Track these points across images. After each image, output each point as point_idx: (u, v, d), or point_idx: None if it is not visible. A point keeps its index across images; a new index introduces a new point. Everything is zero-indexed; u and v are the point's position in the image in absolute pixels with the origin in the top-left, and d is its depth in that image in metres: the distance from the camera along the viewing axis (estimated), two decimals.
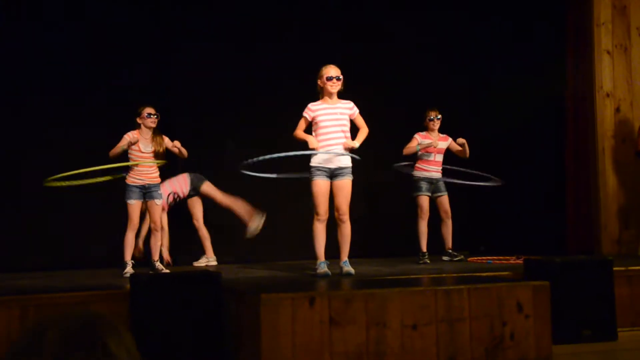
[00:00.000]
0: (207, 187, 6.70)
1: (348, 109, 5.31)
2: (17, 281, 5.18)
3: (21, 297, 3.98)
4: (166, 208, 6.43)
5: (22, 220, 6.35)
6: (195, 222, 6.70)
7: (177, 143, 5.72)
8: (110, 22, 6.64)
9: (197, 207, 6.70)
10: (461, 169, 6.54)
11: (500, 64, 7.72)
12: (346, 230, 5.24)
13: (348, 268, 5.19)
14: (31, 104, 6.47)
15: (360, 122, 5.39)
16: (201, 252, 6.72)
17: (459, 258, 6.53)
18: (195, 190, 6.68)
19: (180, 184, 6.65)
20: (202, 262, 6.67)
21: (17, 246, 6.28)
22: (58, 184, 5.49)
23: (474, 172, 6.46)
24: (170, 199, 6.55)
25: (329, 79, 5.24)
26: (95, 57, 6.60)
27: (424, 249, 6.45)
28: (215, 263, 6.69)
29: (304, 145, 5.25)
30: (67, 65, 6.53)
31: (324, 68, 5.29)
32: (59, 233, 6.40)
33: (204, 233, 6.70)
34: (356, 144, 5.28)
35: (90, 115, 6.56)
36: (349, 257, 5.31)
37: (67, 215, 6.44)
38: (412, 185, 6.54)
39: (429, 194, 6.53)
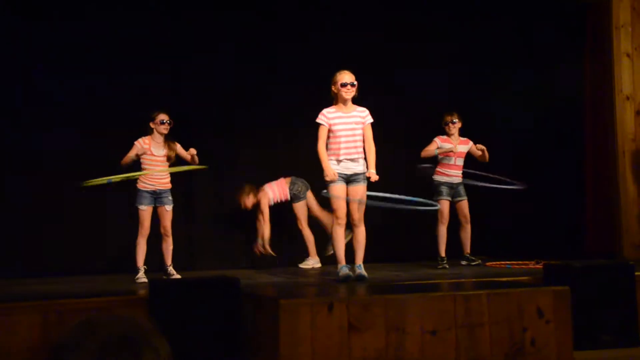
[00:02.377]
0: (310, 194, 6.81)
1: (362, 117, 5.26)
2: (36, 286, 5.22)
3: (42, 303, 4.00)
4: (271, 203, 6.64)
5: (40, 225, 6.39)
6: (299, 224, 6.78)
7: (192, 151, 5.73)
8: (126, 28, 6.68)
9: (301, 211, 6.76)
10: (483, 173, 6.51)
11: (518, 67, 7.68)
12: (361, 235, 5.22)
13: (362, 272, 5.17)
14: (53, 109, 6.52)
15: (368, 134, 5.22)
16: (305, 254, 6.83)
17: (477, 263, 6.49)
18: (302, 194, 6.74)
19: (281, 187, 6.76)
20: (308, 264, 6.77)
21: (38, 251, 6.33)
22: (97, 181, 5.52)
23: (496, 176, 6.42)
24: (274, 200, 6.69)
25: (344, 85, 5.19)
26: (110, 62, 6.64)
27: (443, 253, 6.42)
28: (319, 265, 6.78)
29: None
30: (84, 69, 6.56)
31: (338, 74, 5.24)
32: (77, 238, 6.43)
33: (308, 236, 6.80)
34: (374, 173, 5.17)
35: (111, 119, 6.58)
36: (364, 261, 5.29)
37: (85, 220, 6.48)
38: (433, 189, 6.52)
39: (450, 199, 6.50)
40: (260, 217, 6.68)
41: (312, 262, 6.81)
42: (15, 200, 6.32)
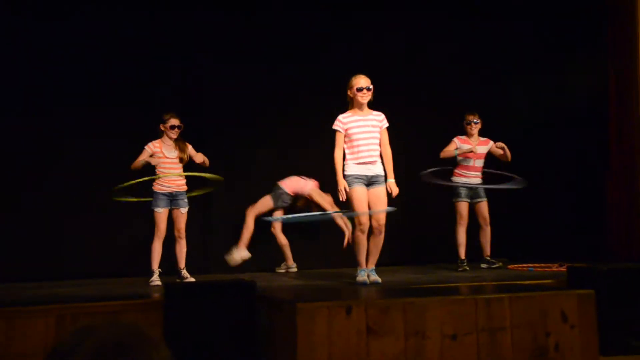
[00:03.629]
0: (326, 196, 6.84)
1: (379, 121, 5.25)
2: (52, 289, 5.27)
3: (58, 306, 4.04)
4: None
5: (55, 229, 6.43)
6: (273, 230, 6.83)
7: (204, 158, 5.82)
8: (137, 31, 6.72)
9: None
10: (490, 170, 6.49)
11: (540, 65, 7.63)
12: (380, 241, 5.22)
13: (375, 277, 5.17)
14: (66, 113, 6.56)
15: (385, 139, 5.24)
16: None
17: (497, 265, 6.45)
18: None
19: (300, 184, 6.81)
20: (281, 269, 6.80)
21: (53, 254, 6.37)
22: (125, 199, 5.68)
23: (500, 172, 6.40)
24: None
25: (359, 89, 5.19)
26: (123, 66, 6.68)
27: (463, 256, 6.39)
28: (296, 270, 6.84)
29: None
30: (95, 74, 6.60)
31: (353, 78, 5.24)
32: (92, 240, 6.48)
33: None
34: (394, 183, 5.19)
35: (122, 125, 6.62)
36: (378, 264, 5.29)
37: (99, 224, 6.52)
38: (452, 191, 6.49)
39: (469, 200, 6.47)
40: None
41: (290, 265, 6.84)
42: (30, 203, 6.37)
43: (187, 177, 5.85)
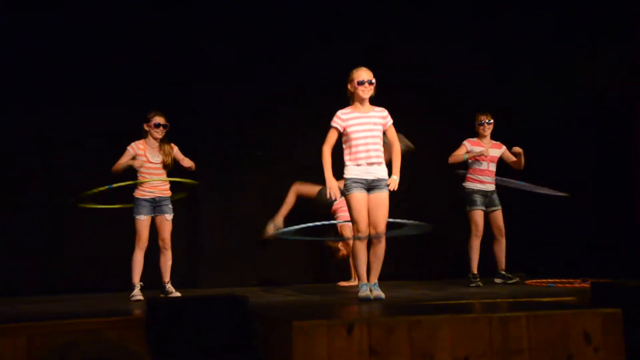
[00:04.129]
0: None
1: (382, 118, 5.21)
2: (22, 305, 5.23)
3: (28, 325, 3.98)
4: None
5: (25, 242, 6.40)
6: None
7: (191, 164, 5.79)
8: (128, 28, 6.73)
9: None
10: (513, 180, 6.47)
11: (566, 67, 7.62)
12: (380, 250, 5.17)
13: (378, 292, 5.12)
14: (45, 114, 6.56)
15: (392, 135, 5.22)
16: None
17: (514, 280, 6.42)
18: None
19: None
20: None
21: (21, 269, 6.33)
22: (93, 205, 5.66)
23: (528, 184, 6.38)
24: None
25: (360, 83, 5.15)
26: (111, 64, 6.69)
27: (475, 270, 6.36)
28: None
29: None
30: (81, 74, 6.64)
31: (354, 71, 5.20)
32: (64, 254, 6.45)
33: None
34: (396, 180, 5.14)
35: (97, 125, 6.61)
36: (380, 277, 5.24)
37: (72, 235, 6.49)
38: (465, 198, 6.44)
39: (484, 208, 6.42)
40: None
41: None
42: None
43: (170, 181, 5.81)
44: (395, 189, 5.14)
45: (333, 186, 5.10)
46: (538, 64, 7.65)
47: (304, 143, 6.93)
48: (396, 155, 5.20)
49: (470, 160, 6.45)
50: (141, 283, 5.65)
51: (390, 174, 5.15)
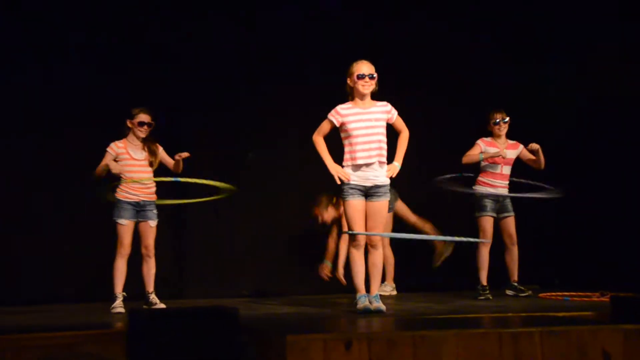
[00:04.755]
0: (401, 204, 6.88)
1: (385, 113, 5.24)
2: None
3: None
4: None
5: None
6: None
7: (183, 155, 5.71)
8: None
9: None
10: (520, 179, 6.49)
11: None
12: (378, 258, 5.23)
13: (378, 304, 5.14)
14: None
15: (400, 124, 5.30)
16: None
17: (527, 293, 6.43)
18: (390, 205, 6.62)
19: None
20: (385, 291, 6.82)
21: None
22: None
23: (532, 182, 6.38)
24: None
25: (360, 77, 5.17)
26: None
27: (485, 281, 6.36)
28: (395, 293, 6.94)
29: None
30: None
31: (354, 65, 5.22)
32: (39, 261, 6.44)
33: (389, 256, 6.90)
34: (396, 167, 5.20)
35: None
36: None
37: (48, 240, 6.49)
38: (474, 203, 6.44)
39: (494, 215, 6.42)
40: (335, 233, 6.72)
41: (389, 288, 6.88)
42: None
43: (157, 185, 5.81)
44: (394, 176, 5.17)
45: (339, 170, 5.16)
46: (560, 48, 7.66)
47: (294, 146, 6.97)
48: (403, 142, 5.25)
49: (484, 162, 6.42)
50: (124, 294, 5.64)
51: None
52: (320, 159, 5.22)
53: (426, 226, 6.86)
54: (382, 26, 7.38)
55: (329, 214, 6.73)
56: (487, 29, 7.65)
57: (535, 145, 6.28)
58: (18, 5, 6.63)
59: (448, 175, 6.36)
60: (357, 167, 5.15)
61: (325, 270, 6.70)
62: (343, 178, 5.15)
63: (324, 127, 5.26)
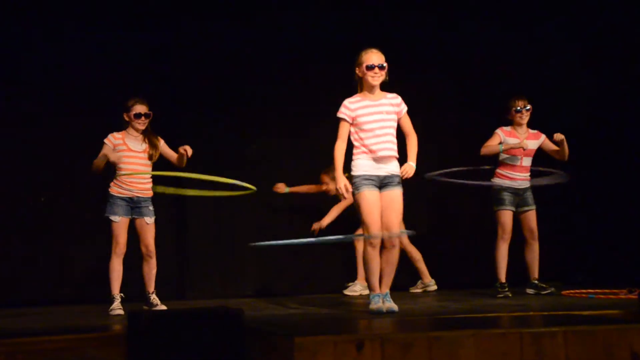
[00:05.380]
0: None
1: (395, 106, 5.23)
2: None
3: None
4: None
5: None
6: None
7: (187, 149, 5.67)
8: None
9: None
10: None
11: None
12: (394, 257, 5.20)
13: (390, 304, 5.15)
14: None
15: (407, 124, 5.27)
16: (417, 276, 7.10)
17: (549, 291, 6.43)
18: None
19: None
20: (417, 288, 7.06)
21: None
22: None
23: (545, 169, 6.40)
24: None
25: (370, 67, 5.15)
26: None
27: (503, 279, 6.37)
28: (435, 288, 7.07)
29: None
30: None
31: (363, 54, 5.19)
32: (36, 263, 6.48)
33: (415, 254, 7.04)
34: (412, 167, 5.18)
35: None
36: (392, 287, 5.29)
37: (46, 242, 6.54)
38: (492, 196, 6.43)
39: (513, 209, 6.41)
40: (342, 204, 6.85)
41: (428, 283, 7.06)
42: None
43: (154, 180, 5.82)
44: (409, 176, 5.17)
45: (343, 185, 5.16)
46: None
47: (296, 142, 6.99)
48: (412, 145, 5.23)
49: (503, 154, 6.40)
50: (121, 295, 5.66)
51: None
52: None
53: (419, 258, 7.09)
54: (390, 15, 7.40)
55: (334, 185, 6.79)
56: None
57: (560, 136, 6.25)
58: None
59: (441, 171, 6.34)
60: (369, 158, 5.17)
61: (280, 187, 7.00)
62: (345, 194, 5.18)
63: (343, 130, 5.20)
